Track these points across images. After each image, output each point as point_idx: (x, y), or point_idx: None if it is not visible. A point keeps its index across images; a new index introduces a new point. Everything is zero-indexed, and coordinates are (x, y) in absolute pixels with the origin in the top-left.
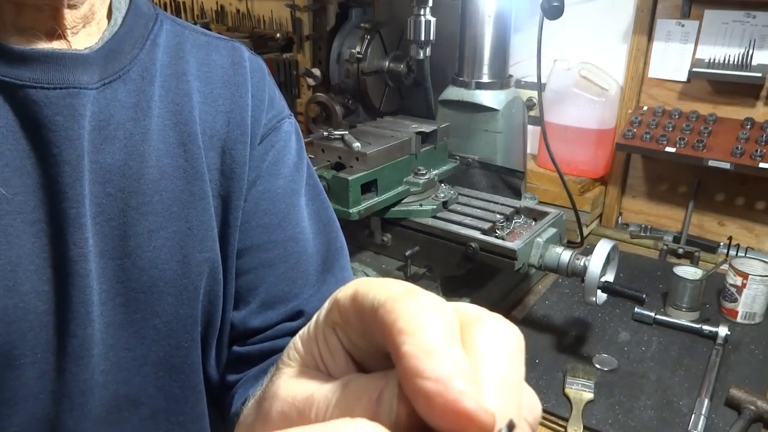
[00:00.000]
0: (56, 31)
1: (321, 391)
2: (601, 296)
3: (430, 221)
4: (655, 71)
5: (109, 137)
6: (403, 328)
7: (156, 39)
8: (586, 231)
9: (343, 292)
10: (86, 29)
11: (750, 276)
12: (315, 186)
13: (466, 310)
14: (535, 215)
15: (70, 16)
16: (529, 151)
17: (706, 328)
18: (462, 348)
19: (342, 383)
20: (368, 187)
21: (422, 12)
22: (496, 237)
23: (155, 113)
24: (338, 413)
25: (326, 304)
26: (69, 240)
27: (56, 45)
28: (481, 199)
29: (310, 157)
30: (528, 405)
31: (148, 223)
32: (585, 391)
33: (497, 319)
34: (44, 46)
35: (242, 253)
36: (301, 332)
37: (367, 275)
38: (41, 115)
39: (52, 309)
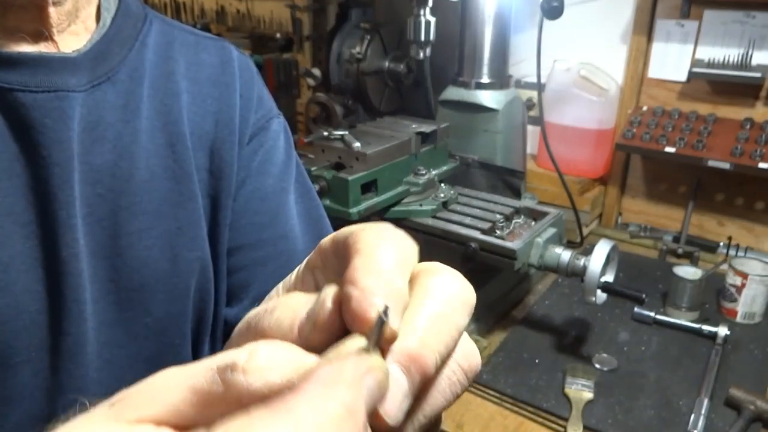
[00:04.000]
0: (42, 33)
1: (268, 305)
2: (601, 296)
3: (430, 221)
4: (654, 71)
5: (99, 138)
6: (360, 249)
7: (145, 39)
8: (585, 231)
9: (326, 237)
10: (72, 28)
11: (749, 276)
12: (304, 184)
13: (429, 264)
14: (535, 215)
15: (55, 14)
16: (529, 151)
17: (706, 328)
18: (406, 278)
19: (285, 297)
20: (368, 187)
21: (422, 12)
22: (496, 237)
23: (144, 114)
24: (273, 321)
25: (311, 254)
26: (60, 241)
27: (44, 48)
28: (481, 199)
29: (309, 157)
30: (464, 352)
31: (139, 223)
32: (585, 390)
33: (453, 272)
34: (32, 49)
35: (233, 252)
36: (284, 280)
37: None
38: (29, 117)
39: (44, 308)
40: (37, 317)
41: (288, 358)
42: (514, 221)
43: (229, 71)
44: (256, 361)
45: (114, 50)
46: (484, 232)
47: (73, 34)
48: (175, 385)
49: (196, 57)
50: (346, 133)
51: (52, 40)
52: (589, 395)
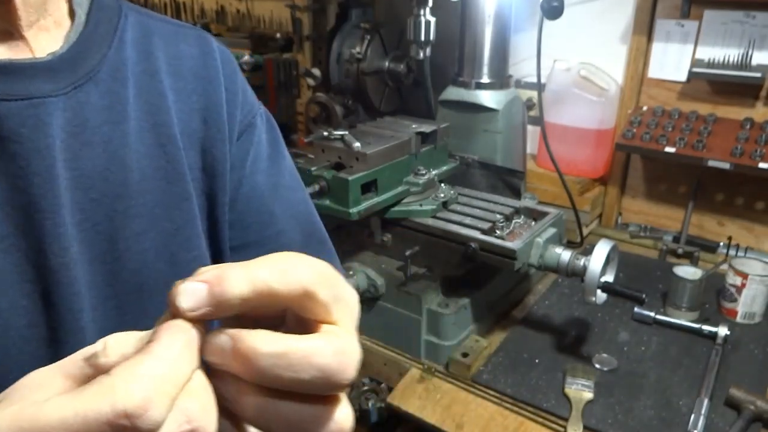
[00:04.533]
0: (11, 32)
1: None
2: (601, 296)
3: (430, 221)
4: (654, 71)
5: (87, 142)
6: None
7: (123, 36)
8: (585, 231)
9: None
10: (42, 23)
11: (749, 276)
12: (294, 177)
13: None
14: (535, 215)
15: (22, 5)
16: (529, 151)
17: (706, 328)
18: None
19: None
20: (368, 187)
21: (422, 12)
22: (496, 237)
23: (132, 116)
24: None
25: None
26: (47, 250)
27: (15, 48)
28: (481, 199)
29: (309, 157)
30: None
31: (135, 226)
32: (585, 390)
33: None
34: (2, 50)
35: (240, 249)
36: None
37: (368, 275)
38: (4, 127)
39: (35, 321)
40: (26, 332)
41: (129, 337)
42: (514, 221)
43: (212, 64)
44: (109, 345)
45: (93, 48)
46: (484, 232)
47: (43, 30)
48: (50, 377)
49: (176, 49)
50: (346, 133)
51: (23, 37)
52: (589, 395)
